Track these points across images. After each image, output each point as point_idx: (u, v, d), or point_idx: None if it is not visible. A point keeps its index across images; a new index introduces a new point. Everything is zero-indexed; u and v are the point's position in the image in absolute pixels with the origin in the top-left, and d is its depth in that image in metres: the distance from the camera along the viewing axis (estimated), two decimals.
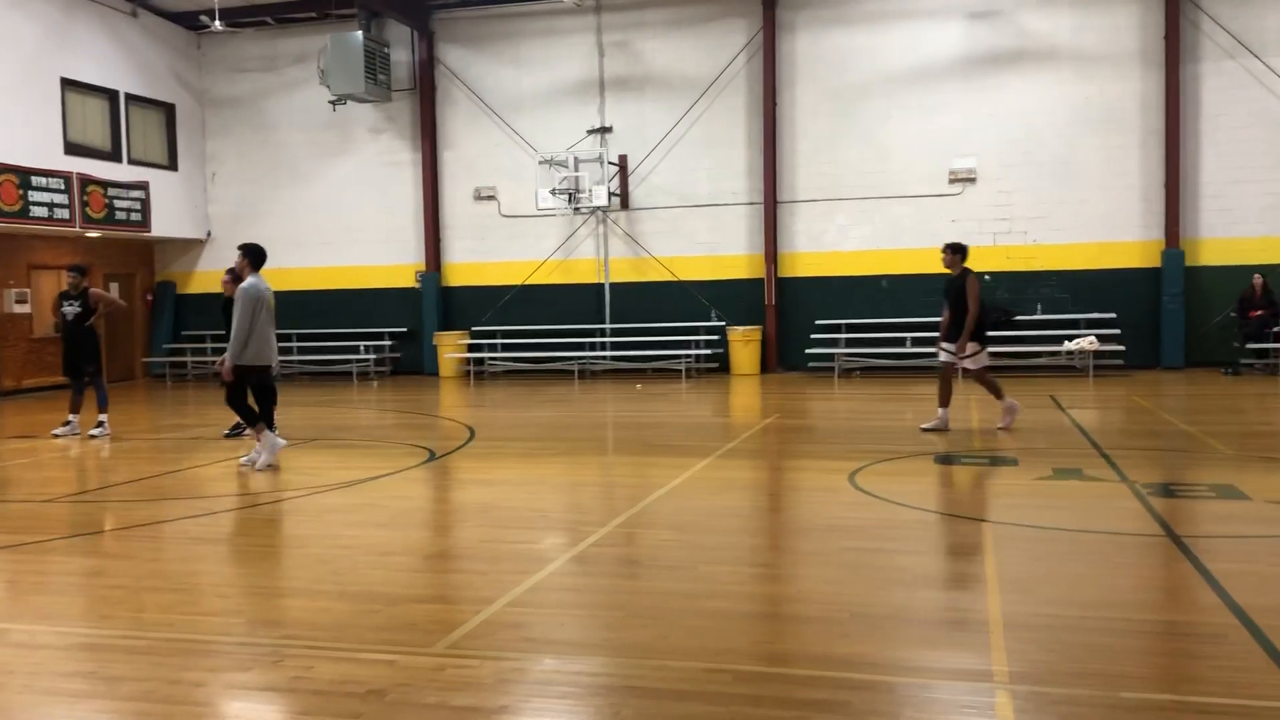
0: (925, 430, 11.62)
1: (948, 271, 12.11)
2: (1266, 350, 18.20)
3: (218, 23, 21.19)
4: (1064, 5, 19.50)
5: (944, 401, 11.79)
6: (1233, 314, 18.57)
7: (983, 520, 7.11)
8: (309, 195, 23.01)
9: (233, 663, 4.66)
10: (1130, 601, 5.40)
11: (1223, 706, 3.93)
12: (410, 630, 5.03)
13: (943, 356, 11.92)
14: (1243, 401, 14.78)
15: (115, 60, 21.26)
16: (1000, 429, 11.56)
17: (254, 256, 10.29)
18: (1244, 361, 18.53)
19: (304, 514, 8.19)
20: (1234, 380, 17.37)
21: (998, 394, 11.85)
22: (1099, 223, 19.51)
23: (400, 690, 4.26)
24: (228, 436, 12.44)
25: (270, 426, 10.19)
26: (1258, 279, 18.17)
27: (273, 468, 9.93)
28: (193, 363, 22.77)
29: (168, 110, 22.78)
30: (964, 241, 12.36)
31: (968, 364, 11.56)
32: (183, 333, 23.58)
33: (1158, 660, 4.62)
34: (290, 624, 5.22)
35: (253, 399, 10.26)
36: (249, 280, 10.09)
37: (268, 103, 23.38)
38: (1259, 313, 18.05)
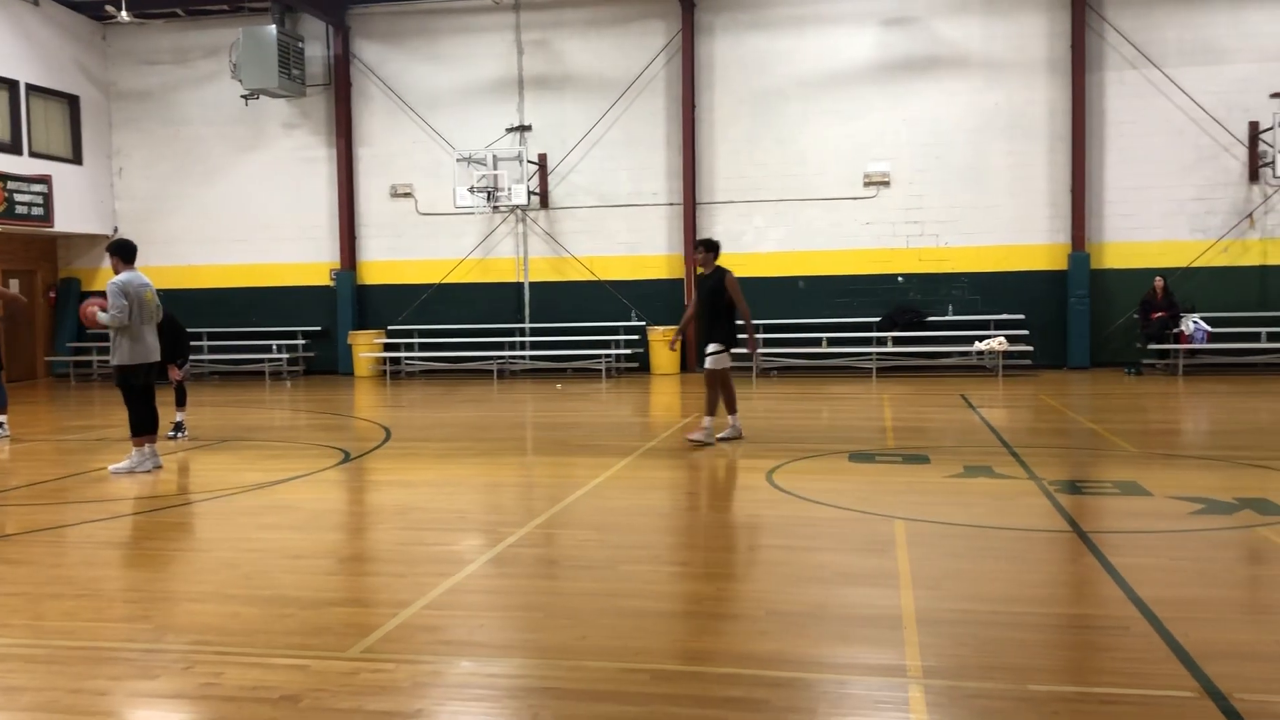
0: (722, 439, 11.02)
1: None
2: (1167, 351, 18.82)
3: (124, 13, 20.60)
4: (975, 14, 19.93)
5: (730, 407, 11.19)
6: (1135, 316, 19.16)
7: (896, 517, 7.22)
8: (221, 191, 22.52)
9: (138, 670, 4.54)
10: (1039, 596, 5.53)
11: (1126, 697, 4.05)
12: (324, 634, 4.95)
13: (708, 364, 11.04)
14: (1145, 400, 15.25)
15: (15, 49, 20.58)
16: (690, 439, 10.95)
17: (123, 252, 9.92)
18: (1146, 362, 19.14)
19: (214, 517, 8.01)
20: (1137, 380, 17.92)
21: (728, 406, 11.13)
22: (1008, 226, 19.99)
23: (314, 695, 4.18)
24: (170, 438, 12.11)
25: (149, 431, 9.90)
26: (1159, 282, 18.78)
27: (131, 473, 9.65)
28: (98, 362, 22.12)
29: (71, 102, 22.11)
30: (716, 239, 11.69)
31: (708, 363, 10.93)
32: (87, 331, 22.88)
33: (1065, 653, 4.74)
34: (199, 629, 5.10)
35: (141, 402, 9.93)
36: (121, 276, 9.74)
37: (178, 96, 22.83)
38: (1160, 314, 18.66)
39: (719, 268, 11.13)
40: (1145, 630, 4.79)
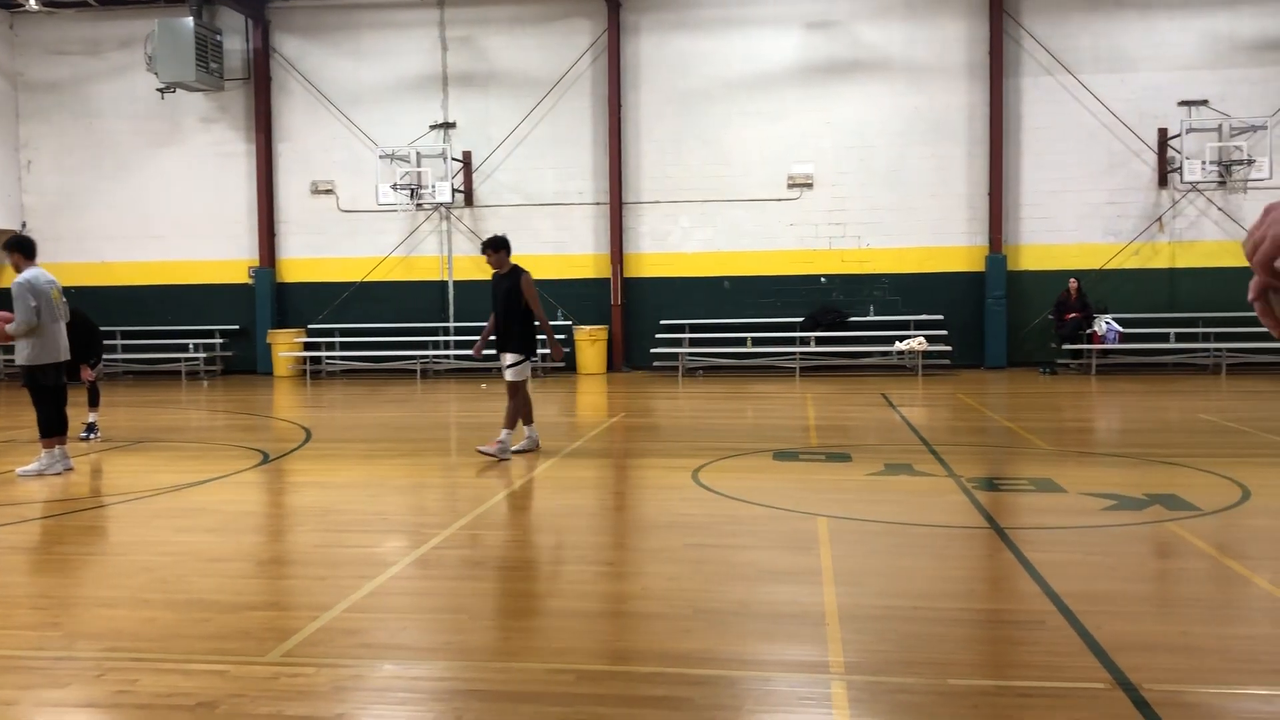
0: (516, 452, 10.17)
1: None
2: (1081, 351, 19.30)
3: (33, 1, 20.00)
4: (896, 19, 20.24)
5: (527, 418, 10.44)
6: (1050, 316, 19.62)
7: (819, 515, 7.30)
8: (135, 186, 21.97)
9: (48, 679, 4.40)
10: (957, 592, 5.63)
11: (1041, 690, 4.14)
12: (243, 639, 4.85)
13: (510, 375, 10.24)
14: (1059, 399, 15.62)
15: None
16: (481, 450, 10.02)
17: (23, 248, 9.62)
18: (1060, 361, 19.62)
19: (128, 520, 7.80)
20: (1051, 379, 18.36)
21: (525, 418, 10.37)
22: (928, 228, 20.34)
23: (232, 701, 4.09)
24: (83, 439, 11.78)
25: (59, 432, 9.63)
26: (1073, 283, 19.25)
27: (41, 476, 9.40)
28: (3, 361, 21.43)
29: None
30: (505, 235, 10.41)
31: (510, 374, 10.16)
32: None
33: (983, 647, 4.83)
34: (113, 635, 4.96)
35: (50, 403, 9.66)
36: (26, 274, 9.46)
37: (90, 88, 22.23)
38: (1074, 315, 19.13)
39: (515, 267, 10.18)
40: (1060, 624, 4.91)
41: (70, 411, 11.61)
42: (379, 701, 4.18)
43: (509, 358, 10.13)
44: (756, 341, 20.42)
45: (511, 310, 10.07)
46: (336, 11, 21.63)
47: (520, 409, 10.23)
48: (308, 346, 21.49)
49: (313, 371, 21.19)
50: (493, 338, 10.43)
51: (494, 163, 21.29)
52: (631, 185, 21.00)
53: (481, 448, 9.97)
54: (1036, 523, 7.20)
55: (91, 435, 11.89)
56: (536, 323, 10.36)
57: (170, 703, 4.10)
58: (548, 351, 10.52)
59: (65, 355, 9.74)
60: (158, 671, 4.43)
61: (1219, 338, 19.17)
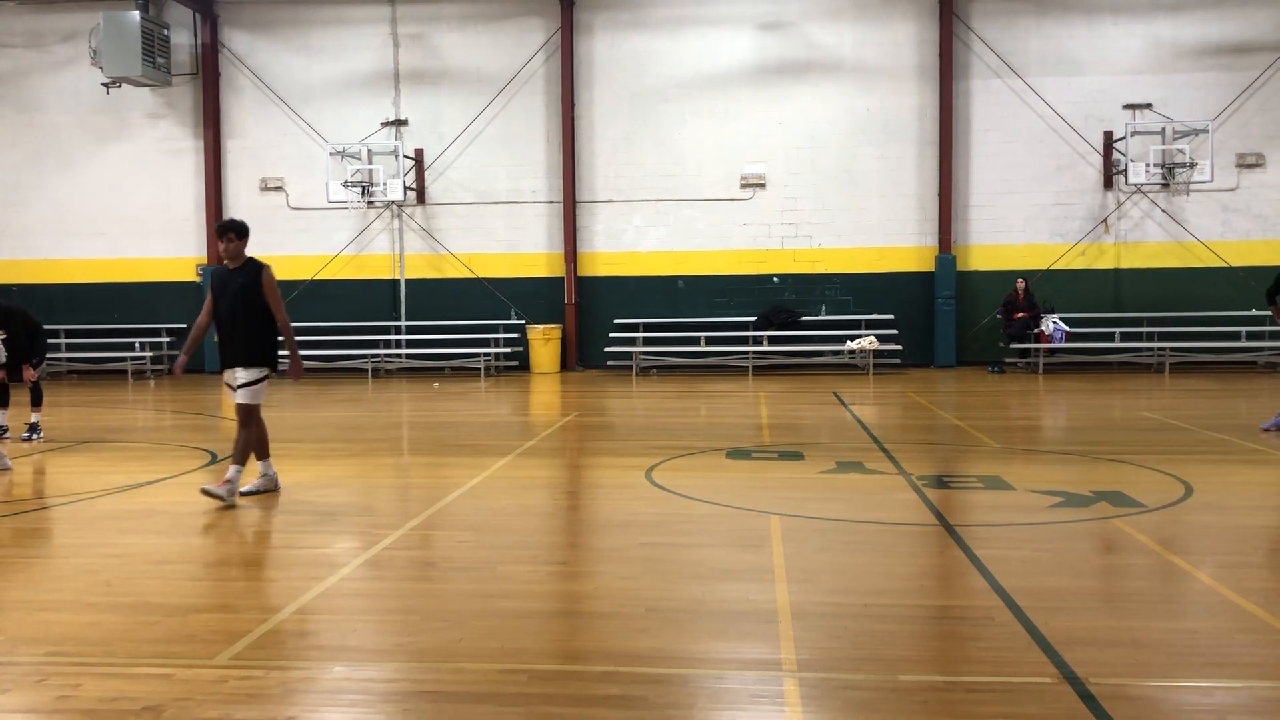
0: (247, 493, 8.32)
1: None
2: (1028, 350, 19.56)
3: None
4: (848, 20, 20.39)
5: (262, 452, 8.47)
6: (998, 316, 19.87)
7: (772, 513, 7.33)
8: (80, 183, 21.58)
9: None
10: (908, 588, 5.68)
11: (990, 685, 4.19)
12: (190, 642, 4.78)
13: (244, 396, 8.14)
14: (1007, 398, 15.83)
15: None
16: (206, 491, 7.97)
17: None
18: (1008, 360, 19.88)
19: (73, 521, 7.66)
20: (1000, 378, 18.59)
21: (260, 452, 8.42)
22: (878, 229, 20.52)
23: (178, 705, 4.03)
24: (25, 439, 11.55)
25: None
26: (1021, 283, 19.52)
27: None
28: None
29: None
30: (239, 218, 8.42)
31: (244, 395, 8.11)
32: None
33: (933, 644, 4.88)
34: (55, 640, 4.87)
35: None
36: None
37: (32, 82, 21.81)
38: (1022, 315, 19.39)
39: (253, 260, 8.17)
40: (1008, 620, 4.97)
41: (13, 411, 11.40)
42: (330, 704, 4.13)
43: (244, 374, 8.06)
44: (710, 340, 20.49)
45: (247, 313, 8.03)
46: (287, 7, 21.39)
47: (254, 440, 8.22)
48: None
49: None
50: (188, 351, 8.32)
51: (446, 160, 21.17)
52: (585, 184, 20.98)
53: (208, 487, 8.00)
54: (985, 520, 7.29)
55: (34, 436, 11.67)
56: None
57: (115, 707, 4.03)
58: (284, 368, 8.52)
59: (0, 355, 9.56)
60: (102, 676, 4.36)
61: (1162, 337, 19.53)
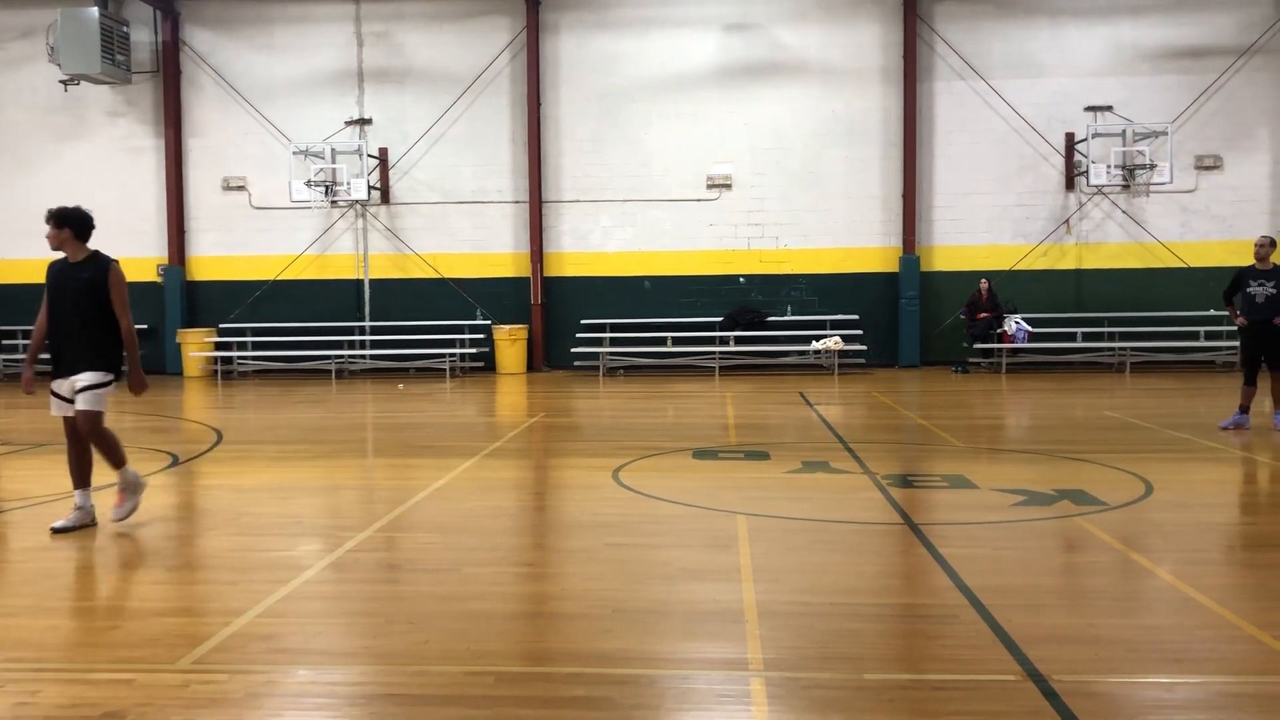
0: (61, 529, 7.11)
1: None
2: (991, 350, 19.73)
3: None
4: (813, 22, 20.48)
5: (82, 482, 7.33)
6: (962, 316, 20.03)
7: (738, 513, 7.35)
8: (37, 181, 21.24)
9: None
10: (873, 587, 5.71)
11: (955, 683, 4.22)
12: (151, 646, 4.72)
13: (86, 402, 7.11)
14: (971, 398, 15.95)
15: None
16: (57, 528, 7.08)
17: None
18: (972, 360, 20.04)
19: (29, 525, 7.53)
20: (963, 377, 18.74)
21: (115, 459, 7.31)
22: (843, 229, 20.62)
23: (139, 710, 3.98)
24: None
25: None
26: (984, 284, 19.67)
27: None
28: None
29: None
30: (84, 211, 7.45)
31: (86, 401, 7.07)
32: None
33: (898, 642, 4.91)
34: (12, 645, 4.79)
35: None
36: None
37: None
38: (985, 315, 19.55)
39: (99, 255, 7.29)
40: (972, 618, 5.01)
41: None
42: (294, 708, 4.10)
43: (86, 377, 7.07)
44: (676, 341, 20.51)
45: (89, 312, 7.12)
46: (249, 5, 21.19)
47: (112, 441, 7.26)
48: (219, 346, 21.02)
49: (224, 372, 20.73)
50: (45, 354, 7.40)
51: (411, 160, 21.05)
52: (552, 184, 20.94)
53: (57, 524, 7.10)
54: (949, 518, 7.34)
55: None
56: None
57: (75, 713, 3.97)
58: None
59: None
60: (61, 682, 4.30)
61: (1123, 337, 19.76)
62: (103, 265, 7.23)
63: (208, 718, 3.93)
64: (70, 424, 7.22)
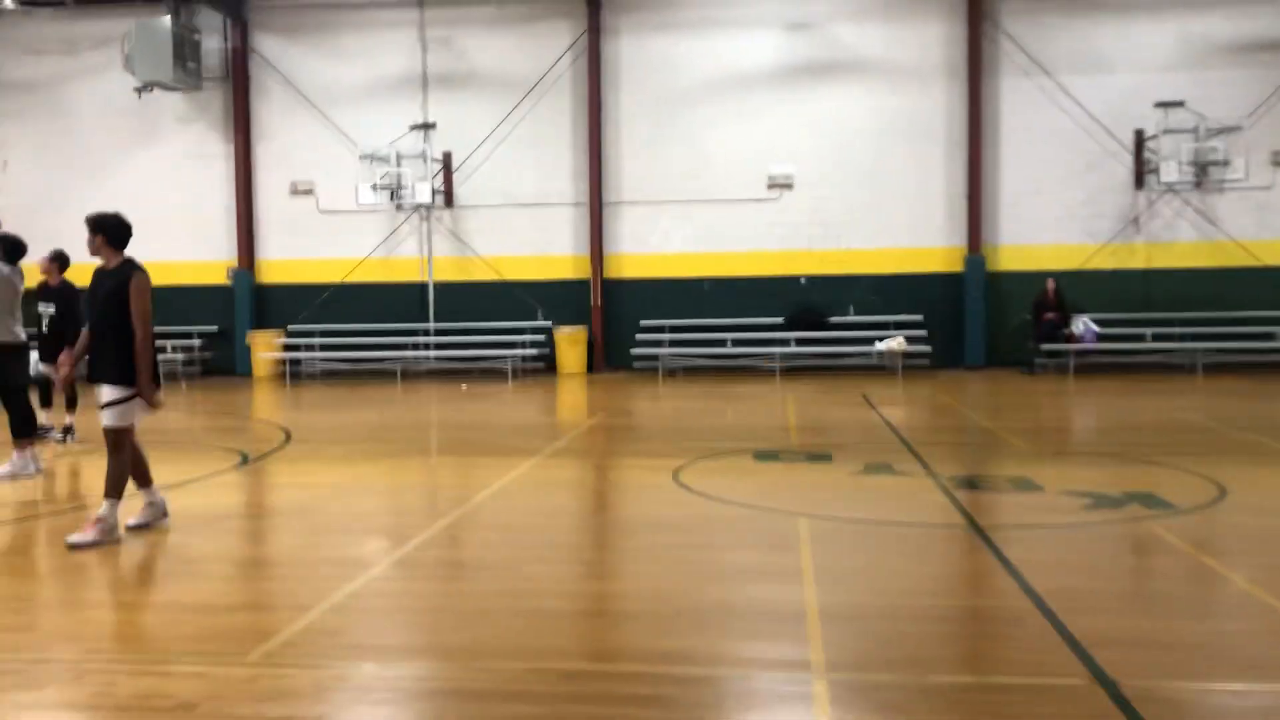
0: (134, 527, 7.16)
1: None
2: (1058, 351, 19.41)
3: (9, 1, 19.84)
4: (875, 20, 20.31)
5: (143, 479, 7.30)
6: (1028, 316, 19.73)
7: (800, 514, 7.32)
8: (112, 187, 21.74)
9: (25, 681, 4.36)
10: (937, 590, 5.66)
11: (1021, 686, 4.16)
12: (222, 640, 4.82)
13: (111, 418, 6.94)
14: (1037, 399, 15.71)
15: None
16: (73, 541, 6.69)
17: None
18: (1038, 361, 19.71)
19: None
20: (1029, 379, 18.46)
21: (140, 480, 7.26)
22: (906, 229, 20.42)
23: (211, 703, 4.07)
24: (59, 441, 11.75)
25: (29, 435, 9.62)
26: (1050, 284, 19.37)
27: (14, 479, 9.32)
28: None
29: None
30: (121, 218, 7.40)
31: (110, 416, 6.92)
32: None
33: (962, 645, 4.86)
34: (90, 638, 4.93)
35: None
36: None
37: (66, 88, 22.07)
38: (1052, 315, 19.24)
39: (128, 263, 7.15)
40: (1039, 621, 4.94)
41: (50, 413, 11.61)
42: (360, 702, 4.16)
43: (108, 391, 6.92)
44: (736, 342, 20.45)
45: (112, 321, 6.92)
46: (316, 11, 21.54)
47: (126, 468, 7.02)
48: (287, 348, 21.38)
49: (292, 373, 21.08)
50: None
51: (474, 163, 21.24)
52: (612, 186, 21.00)
53: (73, 538, 6.73)
54: (1015, 521, 7.24)
55: (69, 438, 11.80)
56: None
57: (149, 705, 4.07)
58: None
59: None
60: (135, 674, 4.41)
61: (1195, 337, 19.31)
62: (125, 273, 7.02)
63: (276, 711, 4.01)
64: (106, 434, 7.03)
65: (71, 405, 12.07)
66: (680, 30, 20.74)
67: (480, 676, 4.34)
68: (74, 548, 6.63)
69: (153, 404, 7.04)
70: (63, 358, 10.70)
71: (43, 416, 11.96)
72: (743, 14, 20.57)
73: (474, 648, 4.69)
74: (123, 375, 6.89)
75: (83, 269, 11.69)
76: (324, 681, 4.32)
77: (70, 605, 5.63)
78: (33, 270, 10.20)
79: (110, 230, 7.13)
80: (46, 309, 11.71)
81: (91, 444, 11.71)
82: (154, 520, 7.28)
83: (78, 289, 11.68)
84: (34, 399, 11.32)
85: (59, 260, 11.91)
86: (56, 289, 11.81)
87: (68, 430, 11.89)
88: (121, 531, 6.94)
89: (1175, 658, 4.45)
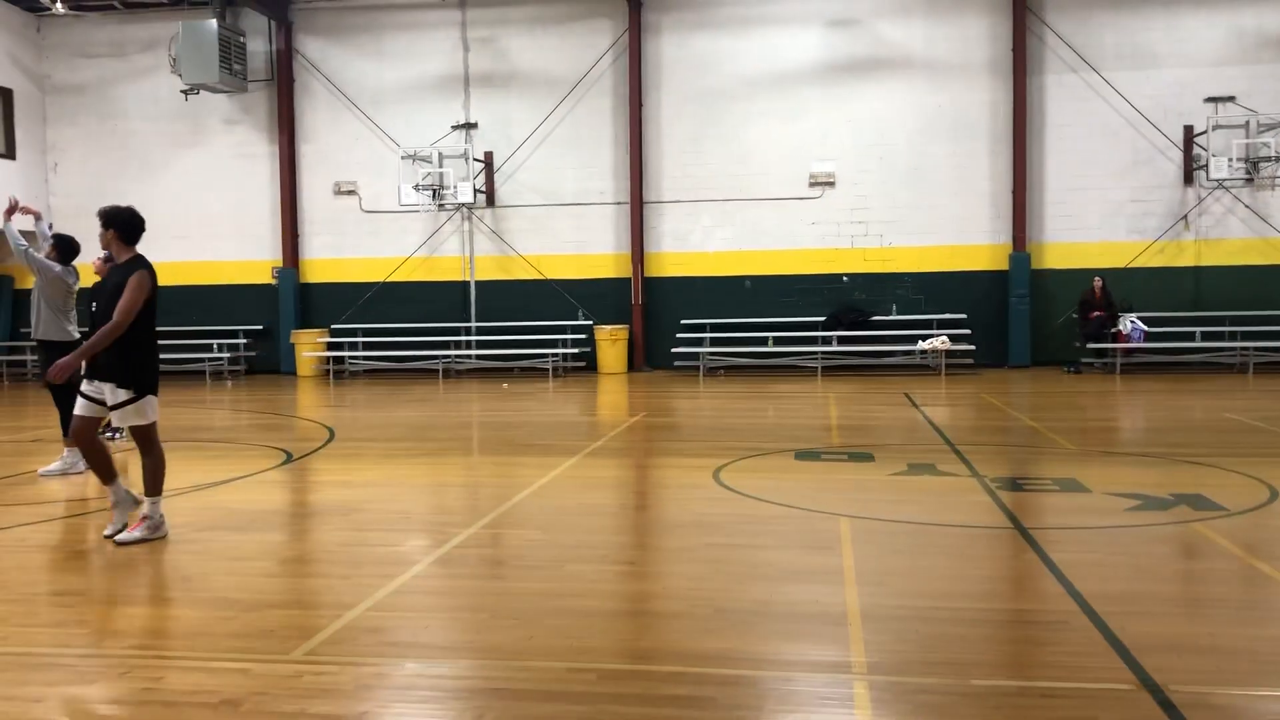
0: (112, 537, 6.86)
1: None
2: (1105, 350, 19.16)
3: (59, 5, 20.21)
4: (918, 16, 20.15)
5: (107, 477, 7.03)
6: (1074, 315, 19.49)
7: (841, 515, 7.27)
8: (160, 187, 22.12)
9: (75, 676, 4.44)
10: (980, 592, 5.60)
11: (1065, 690, 4.11)
12: (266, 637, 4.87)
13: (123, 418, 6.87)
14: (1083, 399, 15.51)
15: None
16: (120, 541, 6.76)
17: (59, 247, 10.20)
18: (1084, 360, 19.47)
19: None
20: (1075, 378, 18.23)
21: (104, 477, 7.04)
22: (950, 227, 20.24)
23: (255, 699, 4.12)
24: (110, 439, 11.97)
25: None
26: (1097, 282, 19.12)
27: (64, 475, 9.48)
28: (31, 361, 21.62)
29: (4, 95, 21.64)
30: (133, 211, 7.08)
31: (116, 417, 6.89)
32: (21, 330, 22.36)
33: (1006, 648, 4.80)
34: (138, 633, 5.00)
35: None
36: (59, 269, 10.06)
37: (115, 90, 22.42)
38: (1098, 314, 18.99)
39: (136, 259, 6.93)
40: (1084, 624, 4.87)
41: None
42: (402, 700, 4.19)
43: (112, 394, 6.79)
44: (778, 341, 20.37)
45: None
46: (359, 13, 21.72)
47: (160, 463, 7.02)
48: (331, 346, 21.59)
49: (336, 371, 21.28)
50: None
51: (515, 163, 21.33)
52: (652, 185, 21.00)
53: (121, 535, 6.81)
54: (1060, 523, 7.15)
55: (116, 435, 11.98)
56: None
57: (195, 700, 4.12)
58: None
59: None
60: (182, 669, 4.46)
61: (1245, 336, 18.97)
62: (130, 270, 6.80)
63: (320, 707, 4.04)
64: (79, 422, 6.93)
65: None
66: (721, 28, 20.69)
67: (521, 675, 4.36)
68: (121, 544, 6.72)
69: (57, 374, 6.76)
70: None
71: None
72: (784, 11, 20.49)
73: (515, 646, 4.71)
74: (125, 377, 6.76)
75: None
76: (366, 679, 4.35)
77: (118, 601, 5.71)
78: (88, 270, 10.36)
79: (122, 225, 6.95)
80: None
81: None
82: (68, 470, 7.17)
83: None
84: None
85: (113, 261, 12.26)
86: None
87: (110, 427, 12.08)
88: (168, 528, 6.99)
89: (1224, 664, 4.37)
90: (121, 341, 6.72)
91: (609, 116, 21.05)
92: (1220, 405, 14.29)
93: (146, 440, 6.93)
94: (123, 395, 6.78)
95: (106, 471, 7.01)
